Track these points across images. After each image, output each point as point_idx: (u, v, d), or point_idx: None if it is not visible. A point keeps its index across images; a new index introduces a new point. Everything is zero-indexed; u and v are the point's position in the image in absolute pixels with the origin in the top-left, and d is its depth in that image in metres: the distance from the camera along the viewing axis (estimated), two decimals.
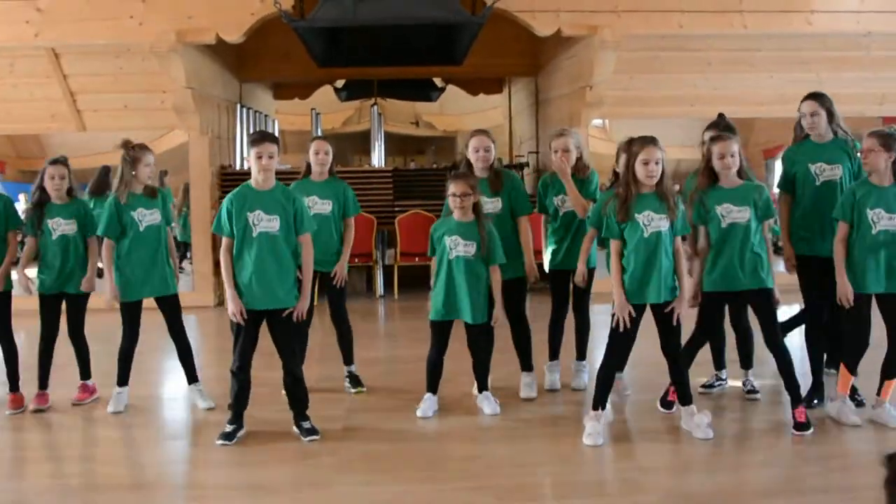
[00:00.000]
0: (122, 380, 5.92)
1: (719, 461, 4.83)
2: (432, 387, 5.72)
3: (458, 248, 5.53)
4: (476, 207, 5.56)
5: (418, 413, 5.62)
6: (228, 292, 5.12)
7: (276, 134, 11.31)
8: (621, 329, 4.99)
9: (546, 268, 6.24)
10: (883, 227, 5.08)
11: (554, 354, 6.31)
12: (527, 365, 6.11)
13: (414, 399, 5.77)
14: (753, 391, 5.93)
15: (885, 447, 4.84)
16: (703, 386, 6.04)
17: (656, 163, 4.92)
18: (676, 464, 4.85)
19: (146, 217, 5.77)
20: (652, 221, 4.94)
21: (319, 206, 6.08)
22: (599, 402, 5.12)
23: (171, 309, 5.94)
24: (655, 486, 4.48)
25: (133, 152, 5.72)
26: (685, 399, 5.20)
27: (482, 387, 5.80)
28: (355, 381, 6.37)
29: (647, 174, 4.92)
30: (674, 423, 5.30)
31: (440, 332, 5.67)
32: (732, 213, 5.11)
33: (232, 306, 5.09)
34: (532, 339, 6.10)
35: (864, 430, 5.13)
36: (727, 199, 5.13)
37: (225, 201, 5.19)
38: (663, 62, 10.61)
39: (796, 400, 5.18)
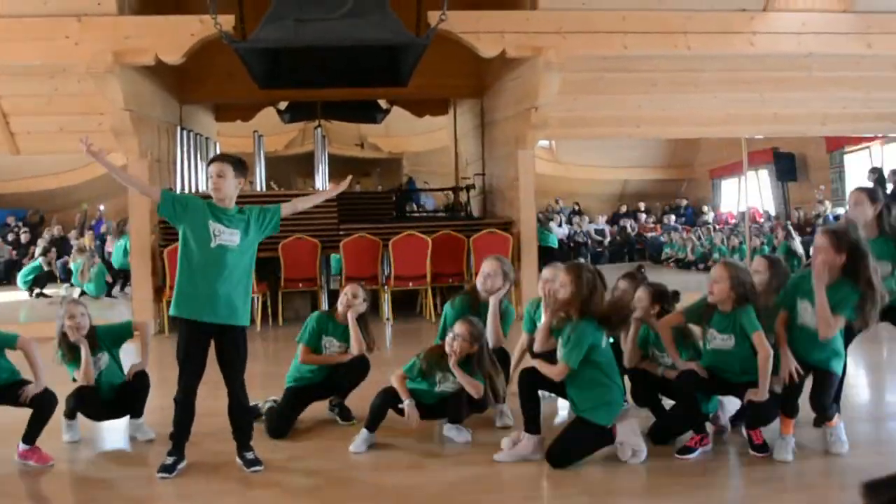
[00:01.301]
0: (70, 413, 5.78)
1: (669, 484, 4.75)
2: (372, 425, 5.52)
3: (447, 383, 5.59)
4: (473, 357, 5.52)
5: (351, 448, 5.43)
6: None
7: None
8: None
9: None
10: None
11: None
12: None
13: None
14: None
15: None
16: None
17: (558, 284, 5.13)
18: (628, 487, 4.77)
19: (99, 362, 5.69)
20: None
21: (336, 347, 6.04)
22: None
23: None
24: None
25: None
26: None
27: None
28: (345, 412, 6.16)
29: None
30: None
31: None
32: (716, 340, 5.20)
33: None
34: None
35: (809, 452, 5.13)
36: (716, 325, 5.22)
37: (190, 196, 5.07)
38: (608, 83, 10.65)
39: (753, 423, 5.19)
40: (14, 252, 13.53)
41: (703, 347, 5.30)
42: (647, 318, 5.48)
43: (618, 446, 5.07)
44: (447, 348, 5.49)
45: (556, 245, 11.83)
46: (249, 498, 4.71)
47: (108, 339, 5.81)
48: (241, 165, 5.11)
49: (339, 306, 6.01)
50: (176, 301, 5.00)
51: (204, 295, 4.91)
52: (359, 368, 6.00)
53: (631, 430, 5.07)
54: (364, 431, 5.50)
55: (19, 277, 13.12)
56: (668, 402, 5.62)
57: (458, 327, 5.49)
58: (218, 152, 13.43)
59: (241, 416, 5.14)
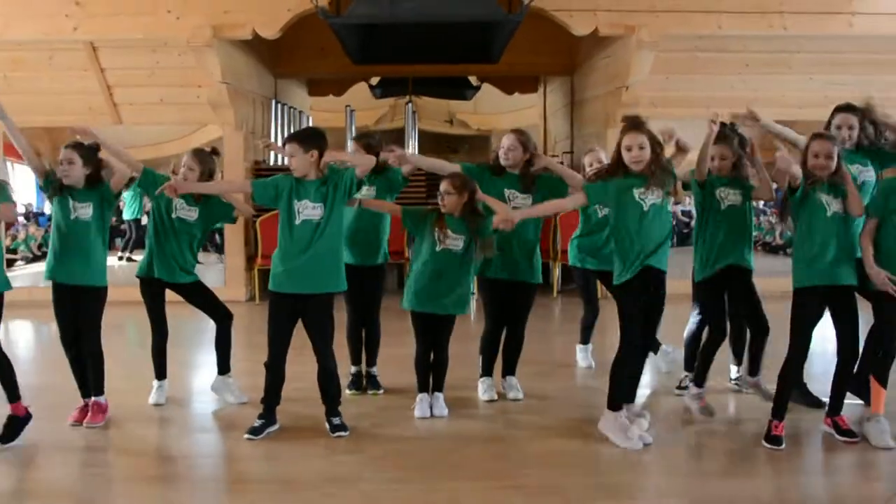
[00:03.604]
0: (160, 374, 5.96)
1: (750, 467, 4.75)
2: (422, 386, 5.68)
3: (448, 240, 5.46)
4: (466, 207, 5.43)
5: (416, 413, 5.59)
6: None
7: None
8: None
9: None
10: None
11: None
12: (510, 370, 6.13)
13: (448, 397, 5.73)
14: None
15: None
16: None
17: (640, 147, 4.95)
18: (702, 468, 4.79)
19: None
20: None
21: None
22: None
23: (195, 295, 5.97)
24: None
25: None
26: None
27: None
28: (374, 382, 6.30)
29: (630, 160, 4.96)
30: (693, 431, 5.26)
31: (422, 327, 5.63)
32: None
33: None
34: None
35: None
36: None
37: (280, 177, 5.22)
38: (701, 63, 10.50)
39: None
40: (114, 220, 13.96)
41: None
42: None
43: None
44: (441, 210, 5.46)
45: None
46: (334, 462, 4.83)
47: (211, 207, 5.87)
48: (308, 139, 5.18)
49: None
50: (271, 275, 5.20)
51: (290, 268, 5.09)
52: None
53: None
54: (419, 395, 5.66)
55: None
56: None
57: (441, 185, 5.44)
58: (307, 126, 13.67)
59: (328, 381, 5.29)
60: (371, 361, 6.29)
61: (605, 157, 6.43)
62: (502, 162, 5.83)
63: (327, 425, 5.26)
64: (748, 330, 5.73)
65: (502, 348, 6.05)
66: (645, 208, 4.92)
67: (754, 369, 5.72)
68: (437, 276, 5.46)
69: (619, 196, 4.98)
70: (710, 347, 5.55)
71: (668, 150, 5.27)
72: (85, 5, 9.28)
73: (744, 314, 5.68)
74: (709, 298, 5.65)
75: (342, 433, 5.20)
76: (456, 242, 5.43)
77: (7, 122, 5.32)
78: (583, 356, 6.95)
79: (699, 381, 5.58)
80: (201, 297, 5.96)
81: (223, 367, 6.01)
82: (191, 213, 5.78)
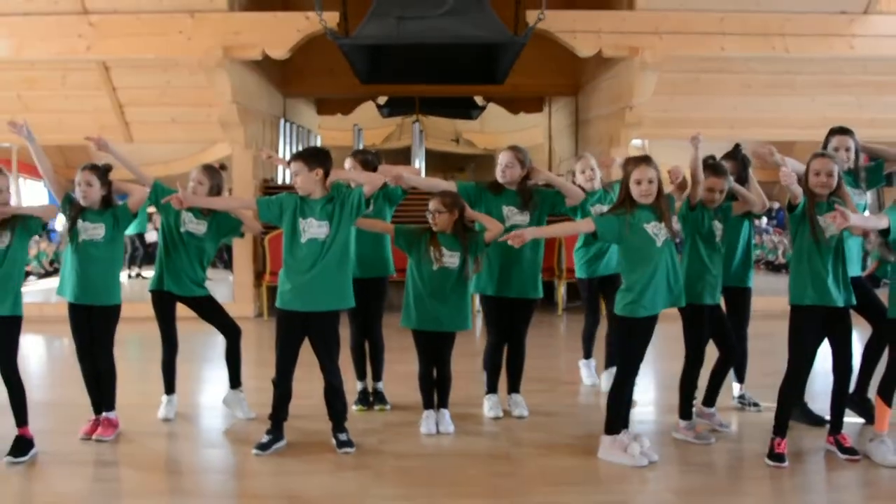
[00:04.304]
0: (169, 389, 6.02)
1: (753, 485, 4.81)
2: (428, 403, 5.74)
3: (444, 259, 5.51)
4: (457, 224, 5.52)
5: (422, 430, 5.64)
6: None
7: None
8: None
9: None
10: None
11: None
12: (515, 387, 6.18)
13: (454, 414, 5.79)
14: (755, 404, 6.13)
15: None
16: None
17: (650, 181, 4.95)
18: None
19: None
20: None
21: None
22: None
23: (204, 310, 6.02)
24: None
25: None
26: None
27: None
28: (381, 398, 6.36)
29: (640, 193, 4.96)
30: (697, 449, 5.32)
31: (423, 345, 5.69)
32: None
33: None
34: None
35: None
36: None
37: (284, 195, 5.28)
38: (704, 84, 10.63)
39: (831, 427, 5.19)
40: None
41: None
42: None
43: None
44: (433, 228, 5.54)
45: None
46: (340, 478, 4.89)
47: (220, 222, 5.93)
48: (314, 158, 5.23)
49: None
50: (277, 292, 5.27)
51: (295, 286, 5.14)
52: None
53: None
54: (425, 412, 5.71)
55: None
56: None
57: (431, 203, 5.52)
58: (318, 145, 13.78)
59: (334, 398, 5.34)
60: (377, 376, 6.35)
61: (595, 164, 6.68)
62: (500, 179, 5.93)
63: (334, 441, 5.32)
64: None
65: (506, 365, 6.12)
66: (658, 243, 4.95)
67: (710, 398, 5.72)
68: (435, 295, 5.52)
69: (631, 230, 4.96)
70: (690, 375, 5.52)
71: (668, 188, 5.34)
72: (98, 26, 9.43)
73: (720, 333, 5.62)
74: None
75: (348, 449, 5.25)
76: (452, 260, 5.50)
77: (34, 145, 5.45)
78: (587, 373, 7.00)
79: (685, 413, 5.51)
80: (211, 312, 6.03)
81: (235, 381, 6.08)
82: (199, 227, 5.86)
